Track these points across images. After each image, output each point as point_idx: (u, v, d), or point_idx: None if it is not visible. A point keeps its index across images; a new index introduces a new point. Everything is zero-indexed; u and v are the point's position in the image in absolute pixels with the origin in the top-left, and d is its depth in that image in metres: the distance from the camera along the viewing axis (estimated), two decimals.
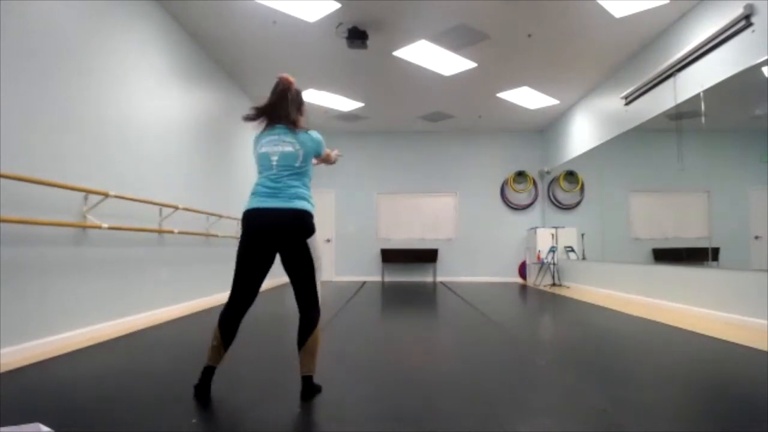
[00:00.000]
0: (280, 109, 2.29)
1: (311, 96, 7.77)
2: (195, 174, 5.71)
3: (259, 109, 2.34)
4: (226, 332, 2.21)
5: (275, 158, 2.25)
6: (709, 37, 4.63)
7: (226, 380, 2.60)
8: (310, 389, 2.24)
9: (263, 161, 2.28)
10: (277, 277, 9.57)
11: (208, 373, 2.21)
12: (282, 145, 2.25)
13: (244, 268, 2.23)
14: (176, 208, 4.93)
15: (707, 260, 4.87)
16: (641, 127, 6.10)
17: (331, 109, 8.45)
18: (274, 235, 2.19)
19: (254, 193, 2.27)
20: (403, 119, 9.31)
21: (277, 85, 2.34)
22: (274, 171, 2.25)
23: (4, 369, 2.70)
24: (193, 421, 1.95)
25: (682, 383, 2.62)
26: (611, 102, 6.89)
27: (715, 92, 4.66)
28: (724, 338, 3.62)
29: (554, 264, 8.56)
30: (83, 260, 3.66)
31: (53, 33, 3.40)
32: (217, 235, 6.11)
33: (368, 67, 6.60)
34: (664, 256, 5.86)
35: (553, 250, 8.56)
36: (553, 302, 6.39)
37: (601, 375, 2.71)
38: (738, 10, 4.25)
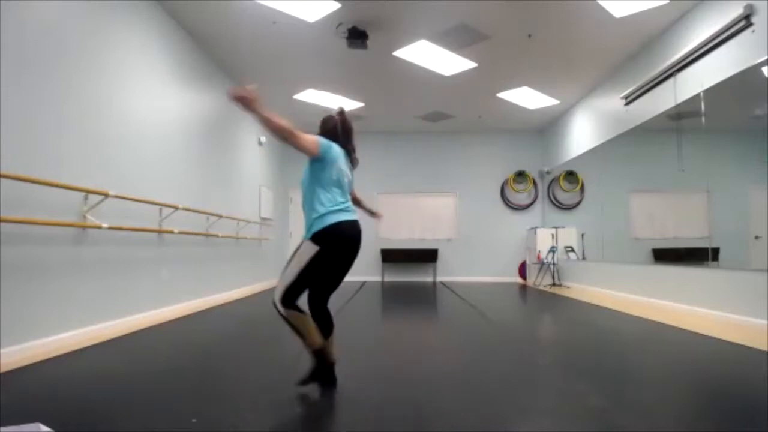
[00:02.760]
0: (350, 142, 2.62)
1: (311, 96, 7.77)
2: (195, 174, 5.71)
3: (334, 137, 2.54)
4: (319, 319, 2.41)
5: (346, 180, 2.50)
6: (709, 37, 4.63)
7: (225, 380, 2.60)
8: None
9: (341, 178, 2.45)
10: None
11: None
12: (349, 170, 2.57)
13: (338, 270, 2.42)
14: (176, 208, 4.93)
15: (707, 260, 4.87)
16: (641, 127, 6.10)
17: (331, 109, 8.42)
18: (358, 243, 2.46)
19: (341, 210, 2.40)
20: (403, 119, 9.31)
21: (345, 120, 2.66)
22: (346, 190, 2.51)
23: (4, 369, 2.70)
24: (193, 420, 1.95)
25: (682, 383, 2.62)
26: (611, 102, 6.89)
27: (715, 92, 4.66)
28: (724, 338, 3.62)
29: (554, 264, 8.55)
30: (83, 260, 3.66)
31: (53, 33, 3.40)
32: (217, 235, 6.11)
33: (368, 67, 6.60)
34: (664, 256, 5.85)
35: (553, 250, 8.56)
36: (553, 302, 6.39)
37: (602, 375, 2.71)
38: (738, 10, 4.25)
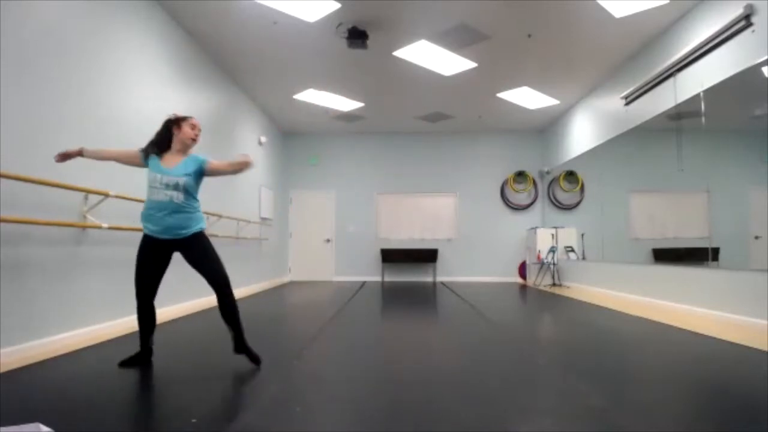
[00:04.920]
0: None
1: (311, 96, 7.78)
2: None
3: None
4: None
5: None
6: (709, 37, 4.63)
7: (225, 380, 2.60)
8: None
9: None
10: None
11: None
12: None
13: None
14: None
15: (707, 260, 4.87)
16: (641, 127, 6.10)
17: (331, 109, 8.45)
18: None
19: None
20: (403, 119, 9.31)
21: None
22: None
23: (4, 369, 2.70)
24: (193, 420, 1.95)
25: (682, 383, 2.62)
26: (611, 102, 6.89)
27: (715, 92, 4.66)
28: (724, 338, 3.62)
29: (554, 264, 8.56)
30: (83, 260, 3.66)
31: (53, 33, 3.40)
32: (216, 236, 6.11)
33: (368, 67, 6.60)
34: (664, 256, 5.85)
35: (553, 250, 8.56)
36: (553, 302, 6.39)
37: (601, 375, 2.71)
38: (738, 10, 4.25)
